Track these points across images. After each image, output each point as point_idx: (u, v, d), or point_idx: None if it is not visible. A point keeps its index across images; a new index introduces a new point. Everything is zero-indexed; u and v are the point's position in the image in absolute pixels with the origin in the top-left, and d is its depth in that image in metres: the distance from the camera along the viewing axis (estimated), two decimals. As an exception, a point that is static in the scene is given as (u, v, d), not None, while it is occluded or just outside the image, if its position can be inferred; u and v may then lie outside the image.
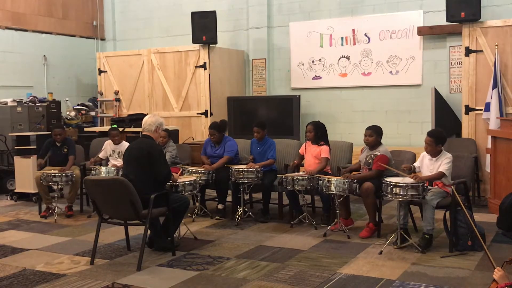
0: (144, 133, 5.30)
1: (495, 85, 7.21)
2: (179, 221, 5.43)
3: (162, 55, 9.90)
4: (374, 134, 5.84)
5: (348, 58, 9.48)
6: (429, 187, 5.25)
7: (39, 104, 9.54)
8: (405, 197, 5.11)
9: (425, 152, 5.45)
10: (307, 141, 6.46)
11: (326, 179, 5.73)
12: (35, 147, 8.27)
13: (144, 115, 7.73)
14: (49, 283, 4.49)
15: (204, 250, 5.35)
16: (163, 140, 7.01)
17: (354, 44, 9.41)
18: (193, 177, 5.97)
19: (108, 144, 7.41)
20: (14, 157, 8.13)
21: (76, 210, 7.26)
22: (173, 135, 7.83)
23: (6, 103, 9.24)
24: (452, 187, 4.99)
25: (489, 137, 7.00)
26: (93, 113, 10.92)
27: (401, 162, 5.87)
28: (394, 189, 5.11)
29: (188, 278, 4.52)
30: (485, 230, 5.34)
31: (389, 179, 5.24)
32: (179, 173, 6.09)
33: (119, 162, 6.87)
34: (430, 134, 5.38)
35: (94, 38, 11.83)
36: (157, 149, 5.19)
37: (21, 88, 10.19)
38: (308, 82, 9.82)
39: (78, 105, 10.93)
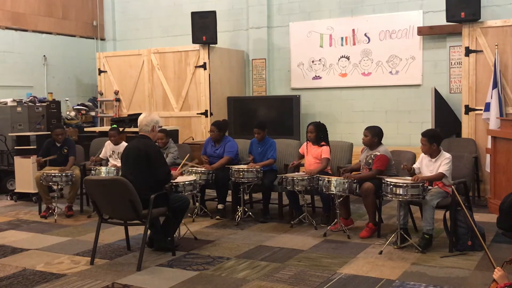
0: (141, 133, 5.26)
1: (495, 85, 7.21)
2: (179, 221, 5.43)
3: (162, 55, 9.89)
4: (369, 134, 5.85)
5: (348, 58, 9.47)
6: (429, 187, 5.25)
7: (39, 104, 9.54)
8: (405, 197, 5.11)
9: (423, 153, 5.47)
10: (307, 141, 6.46)
11: (326, 179, 5.73)
12: (35, 147, 8.27)
13: (144, 115, 7.70)
14: (49, 283, 4.49)
15: (204, 250, 5.35)
16: (161, 141, 6.90)
17: (354, 44, 9.40)
18: (193, 177, 5.95)
19: (108, 144, 7.40)
20: (14, 157, 8.13)
21: (76, 210, 7.26)
22: (173, 135, 7.81)
23: (6, 103, 9.23)
24: (452, 187, 4.99)
25: (489, 137, 7.00)
26: (93, 113, 10.92)
27: (401, 162, 5.87)
28: (394, 189, 5.12)
29: (188, 278, 4.52)
30: (485, 230, 5.34)
31: (389, 179, 5.24)
32: (178, 170, 5.99)
33: (119, 162, 6.85)
34: (423, 133, 5.43)
35: (94, 38, 11.83)
36: (155, 149, 5.16)
37: (21, 88, 10.19)
38: (308, 82, 9.81)
39: (78, 105, 10.93)
